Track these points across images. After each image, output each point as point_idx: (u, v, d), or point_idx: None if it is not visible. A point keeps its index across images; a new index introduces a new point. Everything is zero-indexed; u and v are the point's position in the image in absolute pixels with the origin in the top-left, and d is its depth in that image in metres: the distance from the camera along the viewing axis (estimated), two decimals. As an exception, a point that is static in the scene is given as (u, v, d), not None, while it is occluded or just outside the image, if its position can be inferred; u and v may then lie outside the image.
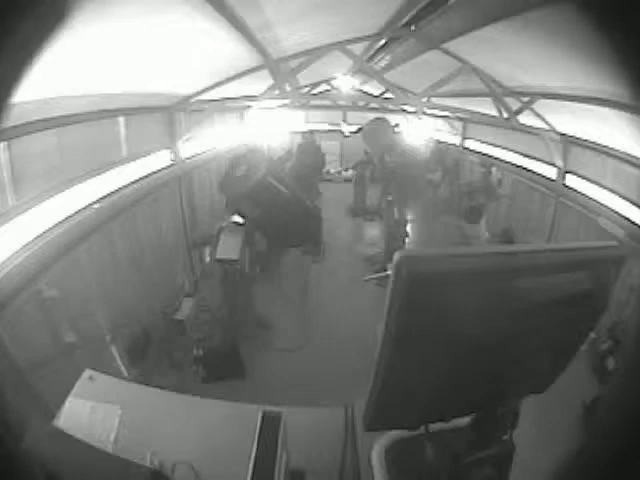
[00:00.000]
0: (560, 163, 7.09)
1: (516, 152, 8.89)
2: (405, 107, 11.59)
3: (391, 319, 0.94)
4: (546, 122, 6.63)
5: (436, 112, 10.96)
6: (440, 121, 11.75)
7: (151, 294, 6.04)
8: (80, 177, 4.61)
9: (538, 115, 6.48)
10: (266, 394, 4.39)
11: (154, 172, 6.48)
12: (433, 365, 1.06)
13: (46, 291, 3.95)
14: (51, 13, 0.55)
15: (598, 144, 6.05)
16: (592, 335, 4.95)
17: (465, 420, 1.41)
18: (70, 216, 4.42)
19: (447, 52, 5.93)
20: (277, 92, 6.62)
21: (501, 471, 1.38)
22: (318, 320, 6.45)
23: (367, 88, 10.74)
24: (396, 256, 0.89)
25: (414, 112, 11.78)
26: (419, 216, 9.88)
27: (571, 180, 7.03)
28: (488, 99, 6.59)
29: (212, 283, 6.83)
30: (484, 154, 10.17)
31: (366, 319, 5.12)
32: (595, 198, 6.34)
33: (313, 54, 5.98)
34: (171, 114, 6.82)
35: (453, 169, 11.42)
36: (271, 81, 6.46)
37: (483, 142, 10.43)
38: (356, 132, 11.66)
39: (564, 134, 6.73)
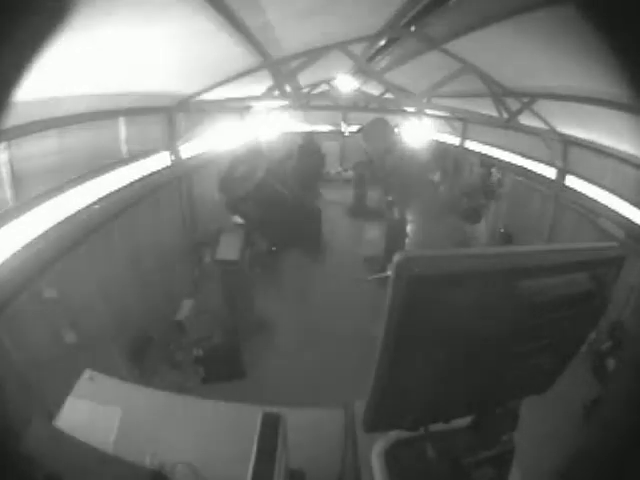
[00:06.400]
0: (560, 163, 7.09)
1: (516, 152, 8.89)
2: (405, 107, 11.63)
3: (391, 319, 0.94)
4: (546, 122, 6.63)
5: (436, 112, 10.98)
6: (440, 121, 11.75)
7: (151, 294, 6.03)
8: (80, 177, 4.61)
9: (538, 115, 6.48)
10: (266, 394, 4.40)
11: (154, 172, 6.48)
12: (433, 365, 1.06)
13: (46, 291, 3.96)
14: (51, 13, 0.55)
15: (598, 144, 6.05)
16: (592, 335, 4.96)
17: (465, 420, 1.41)
18: (70, 216, 4.42)
19: (447, 52, 5.93)
20: (277, 92, 6.62)
21: (501, 471, 1.38)
22: (318, 320, 6.45)
23: (367, 88, 10.73)
24: (396, 257, 0.89)
25: (414, 112, 11.82)
26: (419, 216, 9.86)
27: (571, 180, 7.03)
28: (488, 99, 6.60)
29: (212, 283, 6.83)
30: (484, 154, 10.17)
31: (366, 319, 5.12)
32: (595, 198, 6.34)
33: (313, 54, 5.98)
34: (171, 114, 6.82)
35: (453, 169, 11.42)
36: (271, 82, 6.46)
37: (483, 142, 10.43)
38: (356, 132, 11.65)
39: (564, 134, 6.73)
